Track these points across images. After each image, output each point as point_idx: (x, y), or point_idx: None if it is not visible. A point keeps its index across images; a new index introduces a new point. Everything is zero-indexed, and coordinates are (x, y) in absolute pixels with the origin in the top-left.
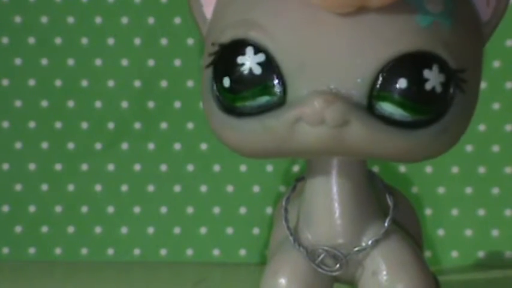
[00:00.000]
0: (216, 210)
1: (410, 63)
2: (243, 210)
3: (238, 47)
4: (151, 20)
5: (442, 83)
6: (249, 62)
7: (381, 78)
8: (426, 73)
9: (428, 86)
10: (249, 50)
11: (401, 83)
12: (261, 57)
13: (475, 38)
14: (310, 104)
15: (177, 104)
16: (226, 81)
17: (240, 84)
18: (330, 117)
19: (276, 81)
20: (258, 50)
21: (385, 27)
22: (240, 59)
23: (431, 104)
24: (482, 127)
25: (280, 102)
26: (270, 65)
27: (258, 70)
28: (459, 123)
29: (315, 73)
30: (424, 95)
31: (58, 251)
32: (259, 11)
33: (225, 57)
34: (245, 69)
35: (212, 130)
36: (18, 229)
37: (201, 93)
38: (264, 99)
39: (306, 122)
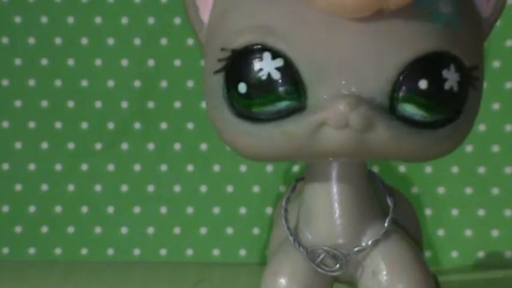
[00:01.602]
0: (216, 210)
1: (430, 64)
2: (243, 210)
3: (254, 52)
4: (151, 20)
5: (458, 81)
6: (267, 67)
7: (402, 80)
8: (445, 73)
9: (447, 86)
10: (267, 56)
11: (422, 84)
12: (279, 62)
13: (478, 35)
14: (334, 108)
15: (177, 104)
16: (242, 87)
17: (257, 89)
18: (355, 121)
19: (295, 86)
20: (275, 55)
21: (402, 29)
22: (257, 65)
23: (450, 104)
24: (482, 127)
25: (301, 108)
26: (289, 70)
27: (276, 75)
28: (471, 121)
29: (336, 77)
30: (444, 94)
31: (58, 251)
32: (274, 15)
33: (240, 62)
34: (263, 75)
35: (220, 135)
36: (18, 229)
37: (206, 99)
38: (283, 105)
39: (330, 126)
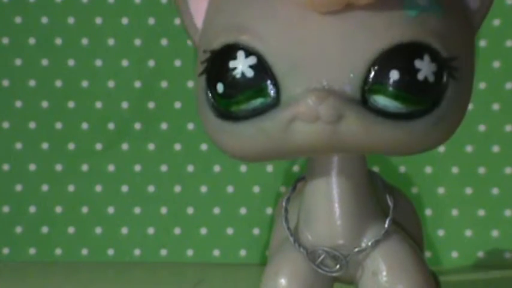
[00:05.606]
0: (216, 210)
1: (401, 55)
2: (243, 210)
3: (229, 51)
4: (151, 21)
5: (434, 72)
6: (241, 65)
7: (372, 72)
8: (417, 63)
9: (420, 76)
10: (240, 54)
11: (393, 75)
12: (252, 60)
13: (465, 25)
14: (304, 102)
15: (177, 105)
16: (220, 87)
17: (233, 88)
18: (324, 113)
19: (269, 83)
20: (249, 53)
21: (373, 20)
22: (232, 64)
23: (425, 94)
24: (482, 127)
25: (275, 104)
26: (262, 67)
27: (250, 73)
28: (454, 112)
29: (307, 71)
30: (417, 85)
31: (58, 251)
32: (248, 15)
33: (217, 63)
34: (237, 73)
35: (210, 137)
36: (18, 229)
37: (196, 102)
38: (258, 102)
39: (301, 120)
